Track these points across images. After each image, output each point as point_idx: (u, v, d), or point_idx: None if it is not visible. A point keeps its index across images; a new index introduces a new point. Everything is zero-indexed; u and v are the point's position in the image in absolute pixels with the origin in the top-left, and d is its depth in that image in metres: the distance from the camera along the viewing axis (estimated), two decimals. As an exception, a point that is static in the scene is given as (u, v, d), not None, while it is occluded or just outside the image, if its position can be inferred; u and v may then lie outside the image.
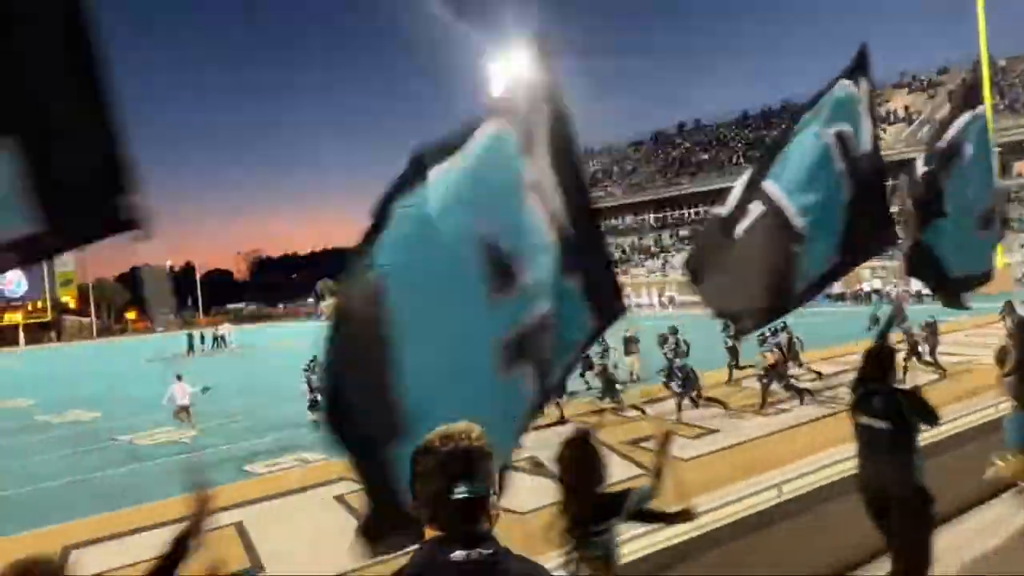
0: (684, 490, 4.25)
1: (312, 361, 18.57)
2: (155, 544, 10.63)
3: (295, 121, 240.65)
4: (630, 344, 22.56)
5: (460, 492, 1.86)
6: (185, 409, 19.41)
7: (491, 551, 1.84)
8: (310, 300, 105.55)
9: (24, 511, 13.94)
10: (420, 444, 1.96)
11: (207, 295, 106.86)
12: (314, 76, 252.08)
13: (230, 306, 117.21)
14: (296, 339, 53.60)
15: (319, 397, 16.71)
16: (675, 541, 5.30)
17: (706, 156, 77.30)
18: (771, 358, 17.42)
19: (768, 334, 17.55)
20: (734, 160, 72.43)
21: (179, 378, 19.70)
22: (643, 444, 14.52)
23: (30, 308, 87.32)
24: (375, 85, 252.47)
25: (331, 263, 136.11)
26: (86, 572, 10.26)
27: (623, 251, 72.66)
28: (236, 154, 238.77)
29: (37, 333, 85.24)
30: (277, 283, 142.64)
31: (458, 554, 1.81)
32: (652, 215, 78.10)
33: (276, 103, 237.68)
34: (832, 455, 7.58)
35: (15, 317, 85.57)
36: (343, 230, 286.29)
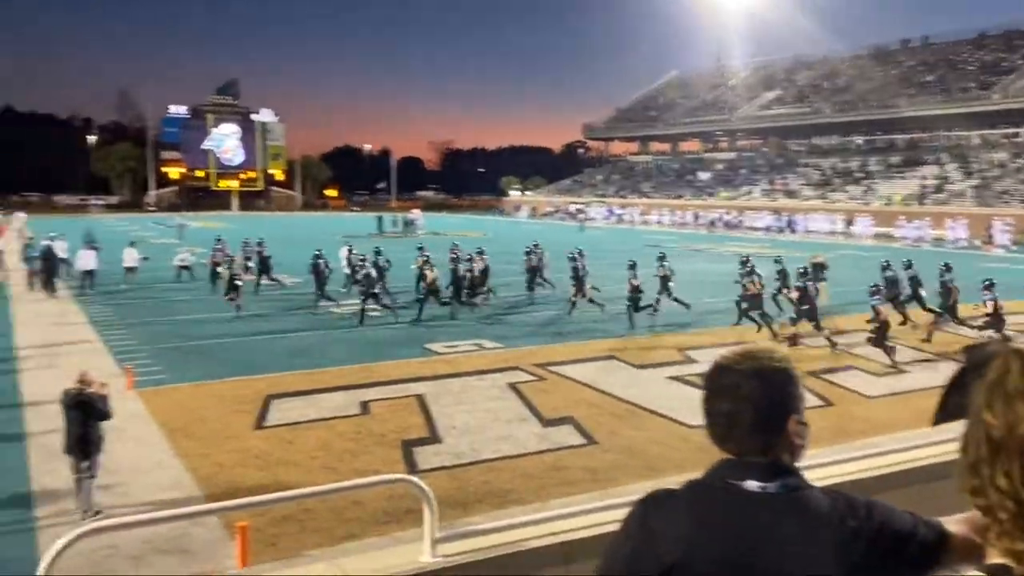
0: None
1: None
2: (338, 404, 11.54)
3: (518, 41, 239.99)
4: (818, 270, 21.43)
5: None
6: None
7: (794, 483, 1.60)
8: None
9: (234, 359, 15.53)
10: (719, 360, 1.76)
11: (400, 180, 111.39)
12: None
13: (420, 193, 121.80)
14: (477, 229, 55.35)
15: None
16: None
17: (931, 78, 70.20)
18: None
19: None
20: (963, 86, 65.35)
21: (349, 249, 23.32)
22: (825, 375, 14.01)
23: (243, 177, 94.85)
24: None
25: (516, 160, 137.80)
26: (282, 421, 11.35)
27: (822, 173, 68.44)
28: (450, 51, 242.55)
29: (248, 200, 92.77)
30: (464, 175, 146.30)
31: (752, 484, 1.59)
32: (861, 137, 72.63)
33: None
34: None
35: (231, 184, 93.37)
36: (530, 131, 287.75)
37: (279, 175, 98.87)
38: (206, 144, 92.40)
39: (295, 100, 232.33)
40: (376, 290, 19.88)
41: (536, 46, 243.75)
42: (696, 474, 1.69)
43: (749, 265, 18.91)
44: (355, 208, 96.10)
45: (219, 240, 26.24)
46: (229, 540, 7.29)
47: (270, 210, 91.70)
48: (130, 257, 26.06)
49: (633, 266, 19.40)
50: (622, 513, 1.70)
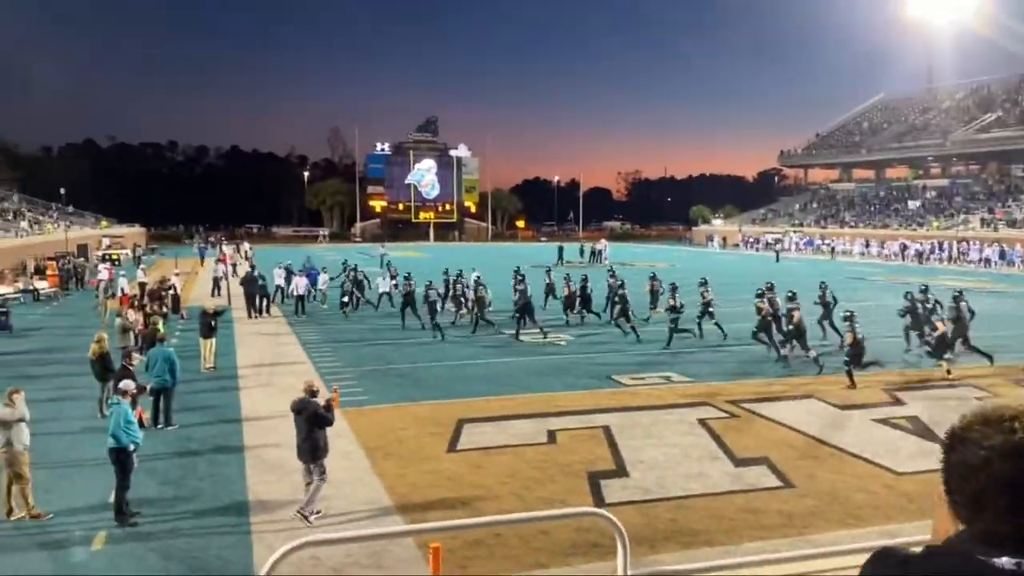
0: None
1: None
2: (525, 431, 11.67)
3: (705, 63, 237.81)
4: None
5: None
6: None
7: None
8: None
9: (430, 383, 16.18)
10: (959, 431, 1.55)
11: (587, 210, 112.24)
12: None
13: (607, 223, 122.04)
14: (667, 260, 54.60)
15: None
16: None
17: None
18: None
19: None
20: None
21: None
22: None
23: (440, 209, 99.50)
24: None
25: (706, 189, 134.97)
26: (473, 445, 11.64)
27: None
28: (637, 80, 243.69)
29: (443, 231, 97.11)
30: (652, 204, 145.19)
31: (1007, 561, 1.42)
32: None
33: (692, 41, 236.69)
34: None
35: (428, 216, 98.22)
36: (721, 159, 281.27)
37: (472, 207, 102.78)
38: (409, 179, 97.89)
39: (488, 135, 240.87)
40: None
41: (728, 71, 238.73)
42: (908, 525, 1.54)
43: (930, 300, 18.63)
44: (542, 238, 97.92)
45: (409, 274, 27.89)
46: (422, 560, 7.54)
47: (462, 240, 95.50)
48: (322, 281, 28.99)
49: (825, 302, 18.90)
50: (822, 563, 1.59)
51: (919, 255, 55.52)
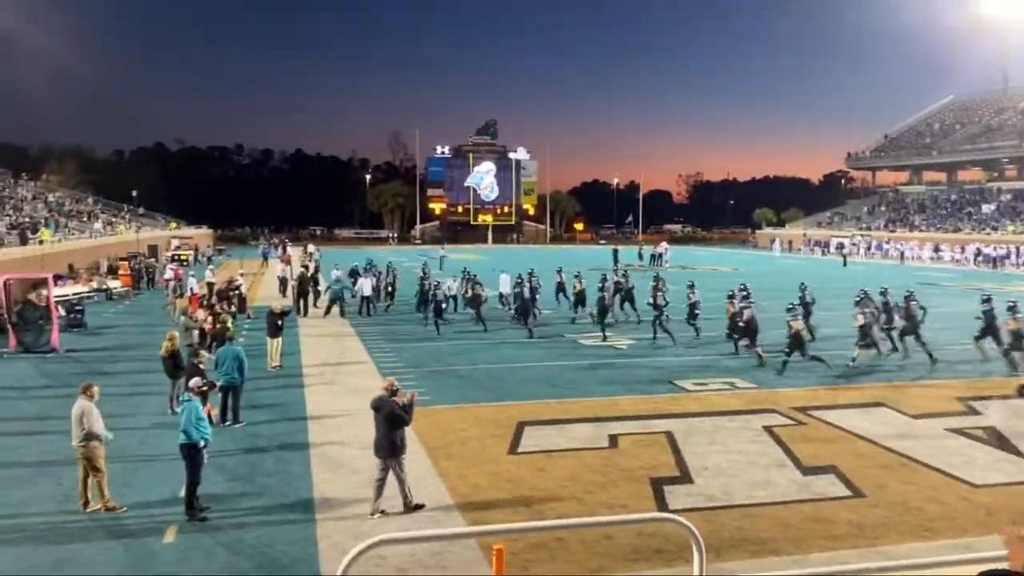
0: None
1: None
2: (586, 435, 11.61)
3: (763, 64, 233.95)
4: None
5: None
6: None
7: None
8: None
9: (490, 385, 16.21)
10: None
11: (647, 213, 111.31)
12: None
13: (667, 226, 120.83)
14: (729, 264, 53.75)
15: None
16: None
17: None
18: None
19: None
20: None
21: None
22: None
23: (498, 211, 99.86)
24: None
25: (770, 191, 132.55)
26: (534, 448, 11.62)
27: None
28: (698, 80, 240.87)
29: (501, 233, 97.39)
30: (714, 207, 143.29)
31: None
32: None
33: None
34: None
35: (487, 218, 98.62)
36: (786, 161, 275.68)
37: (531, 210, 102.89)
38: (468, 181, 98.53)
39: (548, 137, 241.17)
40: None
41: (793, 70, 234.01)
42: (984, 539, 1.47)
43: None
44: (601, 241, 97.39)
45: (464, 270, 28.52)
46: (484, 561, 7.54)
47: (521, 242, 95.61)
48: (367, 286, 27.36)
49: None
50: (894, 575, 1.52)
51: (992, 260, 53.60)
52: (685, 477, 10.47)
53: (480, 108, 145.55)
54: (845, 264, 54.20)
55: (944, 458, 11.19)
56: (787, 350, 17.05)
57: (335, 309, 26.56)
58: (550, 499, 9.63)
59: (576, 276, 26.86)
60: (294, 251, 51.27)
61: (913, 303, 18.83)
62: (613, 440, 12.08)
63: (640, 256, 56.50)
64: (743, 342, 18.79)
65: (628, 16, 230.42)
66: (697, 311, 21.41)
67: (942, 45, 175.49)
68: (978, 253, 55.88)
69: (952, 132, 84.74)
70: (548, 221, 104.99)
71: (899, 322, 18.92)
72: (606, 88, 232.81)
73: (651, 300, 22.29)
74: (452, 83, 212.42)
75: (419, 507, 9.19)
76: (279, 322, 18.02)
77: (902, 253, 60.93)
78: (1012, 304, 17.60)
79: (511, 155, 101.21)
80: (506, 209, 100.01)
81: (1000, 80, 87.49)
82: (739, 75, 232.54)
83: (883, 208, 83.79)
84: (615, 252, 53.21)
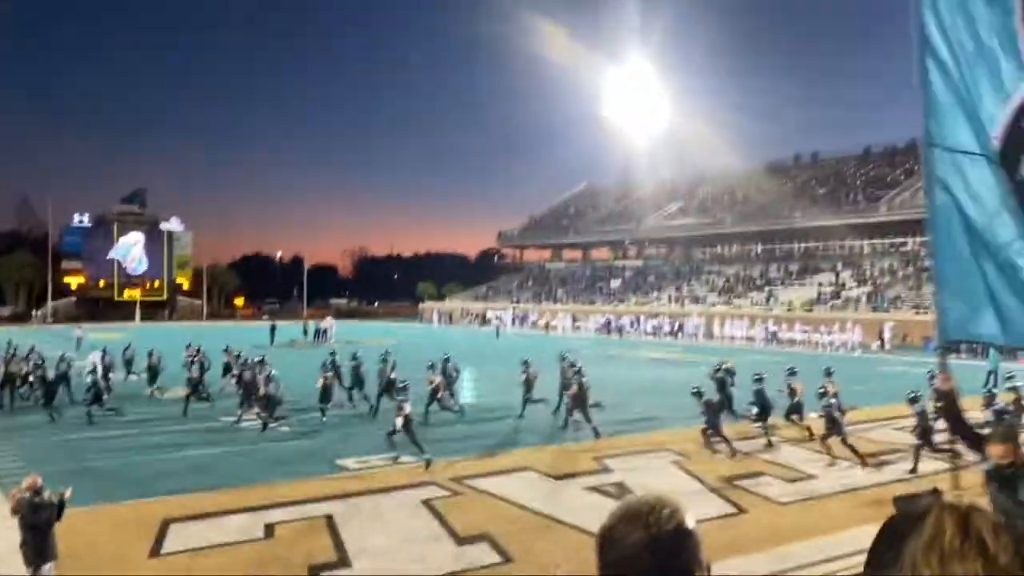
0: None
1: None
2: (243, 527, 10.91)
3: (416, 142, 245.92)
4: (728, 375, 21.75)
5: None
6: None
7: None
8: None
9: (131, 480, 14.60)
10: (604, 529, 1.67)
11: (312, 287, 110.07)
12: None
13: (332, 300, 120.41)
14: (392, 337, 54.80)
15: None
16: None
17: (823, 191, 74.67)
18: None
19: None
20: (851, 197, 69.75)
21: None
22: (740, 483, 14.09)
23: (148, 286, 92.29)
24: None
25: (431, 266, 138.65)
26: (186, 546, 10.66)
27: (727, 280, 71.05)
28: (360, 158, 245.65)
29: (151, 310, 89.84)
30: (379, 282, 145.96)
31: None
32: (760, 246, 76.07)
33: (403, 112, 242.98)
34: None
35: (134, 294, 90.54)
36: (445, 238, 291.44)
37: (186, 284, 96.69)
38: (112, 254, 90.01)
39: (204, 208, 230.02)
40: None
41: (448, 152, 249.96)
42: None
43: None
44: (264, 316, 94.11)
45: (104, 351, 25.90)
46: None
47: (174, 319, 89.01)
48: None
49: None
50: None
51: (619, 329, 60.99)
52: (342, 562, 10.23)
53: (126, 177, 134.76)
54: (498, 336, 58.12)
55: (582, 516, 12.20)
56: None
57: None
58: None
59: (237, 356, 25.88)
60: None
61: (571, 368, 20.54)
62: (269, 529, 11.46)
63: (305, 332, 55.53)
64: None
65: (280, 90, 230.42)
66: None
67: (578, 142, 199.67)
68: (608, 323, 63.27)
69: (585, 215, 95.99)
70: (205, 296, 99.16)
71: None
72: (265, 160, 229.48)
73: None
74: (92, 147, 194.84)
75: None
76: None
77: (547, 324, 66.96)
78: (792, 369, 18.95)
79: (163, 226, 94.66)
80: (156, 284, 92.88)
81: (621, 172, 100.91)
82: (398, 152, 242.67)
83: (530, 283, 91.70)
84: (272, 329, 51.67)
